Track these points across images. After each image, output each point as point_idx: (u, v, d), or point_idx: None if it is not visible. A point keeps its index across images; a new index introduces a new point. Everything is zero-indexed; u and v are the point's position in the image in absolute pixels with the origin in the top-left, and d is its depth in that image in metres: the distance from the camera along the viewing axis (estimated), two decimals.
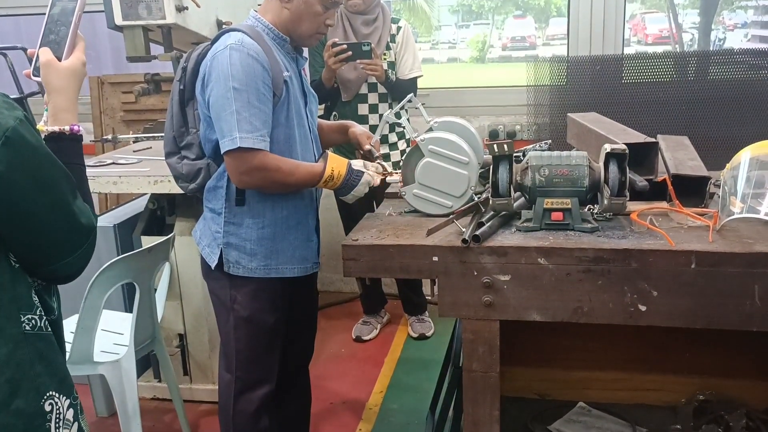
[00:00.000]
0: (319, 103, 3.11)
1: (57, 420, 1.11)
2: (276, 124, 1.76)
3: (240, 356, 1.90)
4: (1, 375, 1.03)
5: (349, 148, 3.06)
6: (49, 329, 1.12)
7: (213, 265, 1.86)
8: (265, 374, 1.93)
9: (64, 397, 1.13)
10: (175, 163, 1.90)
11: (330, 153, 1.89)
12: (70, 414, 1.14)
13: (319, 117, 3.12)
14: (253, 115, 1.68)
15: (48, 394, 1.10)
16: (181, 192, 1.99)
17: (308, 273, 1.94)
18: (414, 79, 3.10)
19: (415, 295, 3.42)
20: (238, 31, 1.73)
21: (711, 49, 4.08)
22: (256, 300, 1.87)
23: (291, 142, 1.81)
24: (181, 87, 1.84)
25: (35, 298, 1.10)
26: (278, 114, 1.76)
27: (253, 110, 1.68)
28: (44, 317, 1.11)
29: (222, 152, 1.72)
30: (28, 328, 1.07)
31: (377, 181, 1.87)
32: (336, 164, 1.80)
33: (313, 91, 1.97)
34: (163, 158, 1.95)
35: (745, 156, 1.62)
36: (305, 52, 1.96)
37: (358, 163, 1.85)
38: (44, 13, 1.21)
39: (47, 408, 1.09)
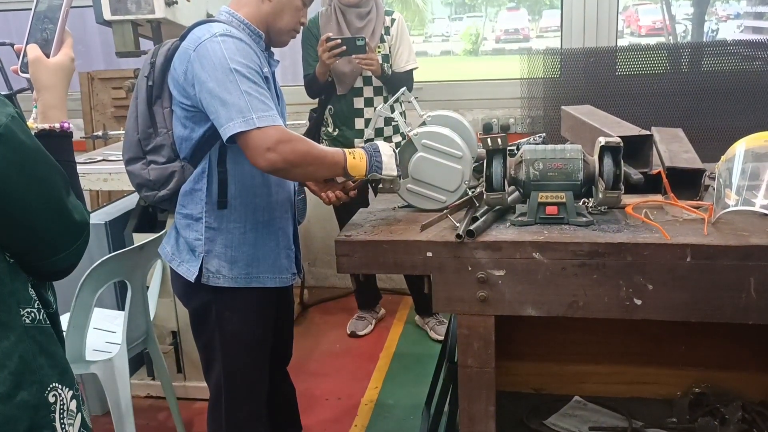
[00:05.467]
0: (313, 97, 3.12)
1: (61, 411, 1.12)
2: None
3: (230, 374, 1.84)
4: (4, 368, 1.04)
5: (345, 141, 3.06)
6: (48, 322, 1.13)
7: (193, 278, 1.75)
8: (256, 387, 1.89)
9: (67, 389, 1.14)
10: (140, 169, 1.75)
11: None
12: (73, 405, 1.15)
13: (314, 111, 3.15)
14: (262, 95, 1.58)
15: (51, 386, 1.11)
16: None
17: (287, 284, 1.87)
18: (410, 72, 3.09)
19: (425, 295, 3.39)
20: (218, 22, 1.67)
21: (704, 40, 4.07)
22: (244, 314, 1.80)
23: None
24: (150, 83, 1.72)
25: (32, 292, 1.11)
26: None
27: (261, 90, 1.59)
28: (42, 310, 1.12)
29: (228, 135, 1.55)
30: (28, 321, 1.08)
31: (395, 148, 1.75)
32: (346, 149, 1.69)
33: (282, 95, 1.88)
34: None
35: (739, 148, 1.62)
36: (279, 53, 1.90)
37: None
38: (29, 9, 1.20)
39: (51, 399, 1.10)
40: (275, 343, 1.98)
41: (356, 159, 1.66)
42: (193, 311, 1.85)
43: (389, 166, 1.69)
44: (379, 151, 1.69)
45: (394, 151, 1.72)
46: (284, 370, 2.16)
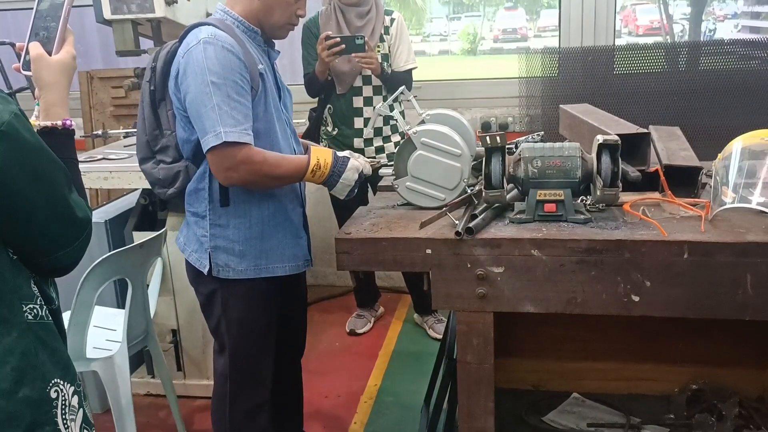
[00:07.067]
0: (313, 96, 3.12)
1: (63, 407, 1.13)
2: (255, 118, 1.72)
3: (235, 359, 1.87)
4: (6, 363, 1.05)
5: (345, 141, 3.06)
6: (50, 318, 1.13)
7: (205, 271, 1.81)
8: (261, 375, 1.91)
9: (69, 384, 1.15)
10: (151, 168, 1.85)
11: (313, 145, 1.86)
12: (75, 401, 1.16)
13: (313, 110, 3.16)
14: (234, 108, 1.63)
15: (53, 382, 1.11)
16: None
17: (299, 271, 1.91)
18: (409, 71, 3.09)
19: (424, 294, 3.40)
20: (209, 24, 1.70)
21: (701, 39, 4.08)
22: (248, 301, 1.84)
23: (272, 135, 1.77)
24: (152, 87, 1.79)
25: (34, 289, 1.11)
26: (257, 107, 1.72)
27: (234, 104, 1.64)
28: (45, 307, 1.12)
29: (205, 150, 1.66)
30: (30, 317, 1.09)
31: (368, 168, 1.83)
32: (321, 154, 1.76)
33: (286, 86, 1.92)
34: None
35: (736, 146, 1.63)
36: (284, 45, 1.93)
37: (342, 152, 1.82)
38: (31, 8, 1.21)
39: (53, 395, 1.11)
40: (286, 335, 2.00)
41: (315, 177, 1.75)
42: (201, 298, 1.91)
43: (343, 186, 1.78)
44: (340, 175, 1.76)
45: (360, 176, 1.79)
46: (297, 364, 2.17)
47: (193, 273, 1.88)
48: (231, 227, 1.80)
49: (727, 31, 4.20)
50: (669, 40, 4.29)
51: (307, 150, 1.81)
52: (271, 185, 1.78)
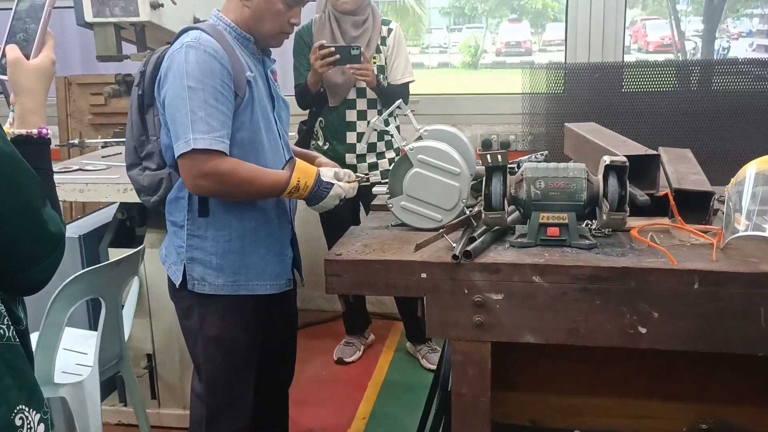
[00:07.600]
0: (304, 109, 3.12)
1: None
2: (240, 127, 1.74)
3: (211, 380, 1.88)
4: None
5: (336, 156, 3.07)
6: (17, 340, 1.12)
7: (177, 283, 1.83)
8: (240, 399, 1.91)
9: (35, 412, 1.13)
10: (137, 175, 1.88)
11: (298, 161, 1.86)
12: (41, 429, 1.14)
13: (304, 123, 3.17)
14: (209, 114, 1.66)
15: (18, 408, 1.09)
16: None
17: (282, 291, 1.91)
18: (406, 85, 3.11)
19: (417, 321, 3.39)
20: (197, 29, 1.73)
21: (714, 58, 4.13)
22: (226, 318, 1.84)
23: (257, 146, 1.79)
24: (140, 92, 1.83)
25: (1, 308, 1.10)
26: (242, 116, 1.75)
27: (210, 110, 1.66)
28: (12, 327, 1.11)
29: (176, 156, 1.69)
30: None
31: (352, 192, 1.84)
32: (303, 174, 1.77)
33: (282, 96, 1.95)
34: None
35: (750, 171, 1.64)
36: (273, 53, 1.95)
37: (327, 173, 1.82)
38: (10, 8, 1.21)
39: (17, 422, 1.09)
40: (268, 360, 1.99)
41: (292, 196, 1.79)
42: (179, 313, 1.92)
43: (321, 208, 1.82)
44: (319, 200, 1.79)
45: (341, 201, 1.82)
46: (284, 393, 2.16)
47: (171, 286, 1.89)
48: (209, 239, 1.81)
49: (741, 50, 4.25)
50: (680, 58, 4.34)
51: (289, 164, 1.82)
52: (244, 198, 1.79)
